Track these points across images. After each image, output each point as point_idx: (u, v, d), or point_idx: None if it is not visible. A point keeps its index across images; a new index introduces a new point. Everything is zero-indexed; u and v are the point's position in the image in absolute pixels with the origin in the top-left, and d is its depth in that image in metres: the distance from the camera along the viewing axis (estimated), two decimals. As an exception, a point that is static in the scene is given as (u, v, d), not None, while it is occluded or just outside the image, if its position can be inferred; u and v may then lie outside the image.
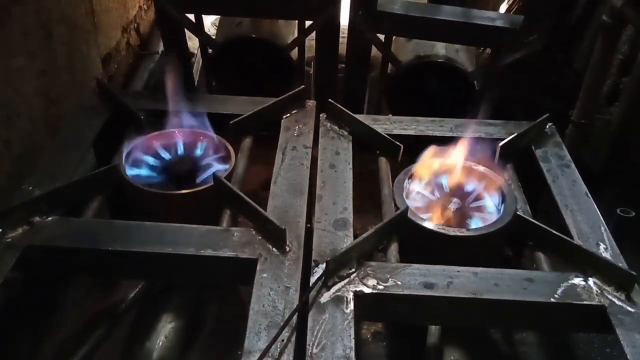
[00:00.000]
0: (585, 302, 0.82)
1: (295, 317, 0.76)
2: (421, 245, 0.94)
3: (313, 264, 0.85)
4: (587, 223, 0.95)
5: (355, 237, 0.89)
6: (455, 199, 1.00)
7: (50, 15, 1.20)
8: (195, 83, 1.71)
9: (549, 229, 0.91)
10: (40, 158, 1.03)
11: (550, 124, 1.16)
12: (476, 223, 0.97)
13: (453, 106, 1.34)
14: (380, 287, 0.82)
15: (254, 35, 1.48)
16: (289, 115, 1.16)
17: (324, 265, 0.82)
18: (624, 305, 0.81)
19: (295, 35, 1.50)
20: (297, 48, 1.50)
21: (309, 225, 0.94)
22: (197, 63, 1.83)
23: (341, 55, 1.54)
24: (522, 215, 0.95)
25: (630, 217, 1.14)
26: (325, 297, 0.80)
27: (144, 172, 1.03)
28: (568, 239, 0.91)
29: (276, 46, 1.47)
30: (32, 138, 1.15)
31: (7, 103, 1.07)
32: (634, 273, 0.83)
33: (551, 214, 1.01)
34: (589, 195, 1.01)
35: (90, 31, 1.43)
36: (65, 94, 1.27)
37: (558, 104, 1.57)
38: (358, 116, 1.14)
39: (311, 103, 1.20)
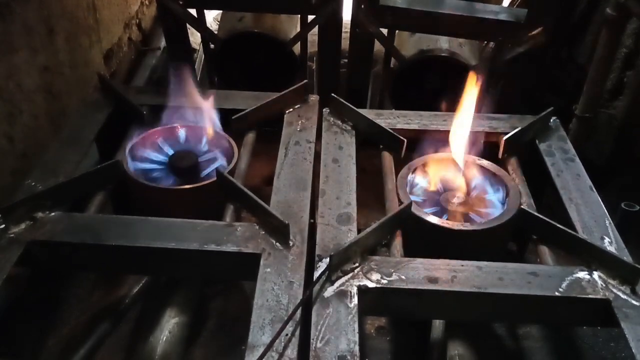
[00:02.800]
0: (589, 296, 0.82)
1: (299, 312, 0.77)
2: (425, 240, 0.94)
3: (317, 258, 0.85)
4: (591, 217, 0.95)
5: (358, 231, 0.89)
6: (459, 193, 1.00)
7: (52, 11, 1.20)
8: (198, 78, 1.71)
9: (553, 222, 0.91)
10: (43, 153, 1.03)
11: (554, 117, 1.16)
12: (480, 217, 0.97)
13: (456, 100, 1.33)
14: (384, 281, 0.82)
15: (256, 30, 1.47)
16: (291, 110, 1.16)
17: (328, 259, 0.82)
18: (629, 299, 0.81)
19: (298, 30, 1.49)
20: (299, 43, 1.49)
21: (312, 220, 0.94)
22: (199, 58, 1.82)
23: (344, 50, 1.54)
24: (527, 209, 0.95)
25: (634, 211, 1.14)
26: (329, 291, 0.80)
27: (146, 167, 1.03)
28: (573, 232, 0.90)
29: (278, 41, 1.47)
30: (35, 134, 1.15)
31: (9, 99, 1.07)
32: (638, 266, 0.82)
33: (555, 208, 1.00)
34: (593, 189, 1.00)
35: (92, 27, 1.43)
36: (68, 90, 1.27)
37: (562, 98, 1.57)
38: (361, 110, 1.13)
39: (314, 98, 1.19)
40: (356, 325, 0.76)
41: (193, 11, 1.46)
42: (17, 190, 0.94)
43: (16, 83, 1.09)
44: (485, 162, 1.04)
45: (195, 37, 1.75)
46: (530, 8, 1.36)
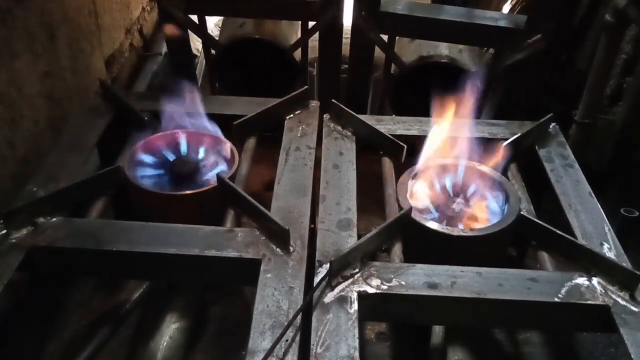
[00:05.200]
0: (589, 302, 0.82)
1: (299, 317, 0.77)
2: (425, 246, 0.94)
3: (317, 264, 0.85)
4: (590, 223, 0.95)
5: (359, 237, 0.89)
6: (458, 199, 1.00)
7: (54, 17, 1.21)
8: (199, 84, 1.71)
9: (553, 228, 0.91)
10: (44, 159, 1.03)
11: (553, 123, 1.16)
12: (480, 223, 0.97)
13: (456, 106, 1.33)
14: (384, 287, 0.82)
15: (257, 36, 1.48)
16: (292, 115, 1.16)
17: (328, 265, 0.82)
18: (628, 305, 0.81)
19: (299, 36, 1.50)
20: (300, 49, 1.50)
21: (312, 225, 0.94)
22: (200, 64, 1.83)
23: (344, 56, 1.54)
24: (526, 215, 0.95)
25: (634, 217, 1.14)
26: (329, 297, 0.80)
27: (147, 172, 1.03)
28: (572, 238, 0.91)
29: (279, 47, 1.48)
30: (36, 139, 1.15)
31: (10, 104, 1.07)
32: (638, 272, 0.83)
33: (554, 214, 1.01)
34: (593, 195, 1.01)
35: (94, 32, 1.43)
36: (69, 95, 1.27)
37: (561, 104, 1.57)
38: (361, 116, 1.14)
39: (314, 104, 1.20)
40: (356, 331, 0.76)
41: (194, 17, 1.47)
42: (18, 195, 0.94)
43: (17, 88, 1.09)
44: (485, 168, 1.04)
45: (196, 43, 1.75)
46: (529, 14, 1.37)
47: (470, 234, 0.92)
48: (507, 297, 0.82)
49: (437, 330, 0.95)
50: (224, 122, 1.11)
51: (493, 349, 1.07)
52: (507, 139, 1.09)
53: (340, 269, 0.83)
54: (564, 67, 1.69)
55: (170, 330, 0.89)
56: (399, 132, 1.14)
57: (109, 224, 0.92)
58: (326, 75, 1.54)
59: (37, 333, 1.02)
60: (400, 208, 0.96)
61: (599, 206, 0.98)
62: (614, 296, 0.82)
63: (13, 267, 0.83)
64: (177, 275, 0.91)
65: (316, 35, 1.48)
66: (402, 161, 1.09)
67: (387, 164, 1.09)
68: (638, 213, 1.14)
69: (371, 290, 0.82)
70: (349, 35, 1.48)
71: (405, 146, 1.08)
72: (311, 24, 1.45)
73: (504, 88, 1.51)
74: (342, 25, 1.45)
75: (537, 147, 1.12)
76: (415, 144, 1.09)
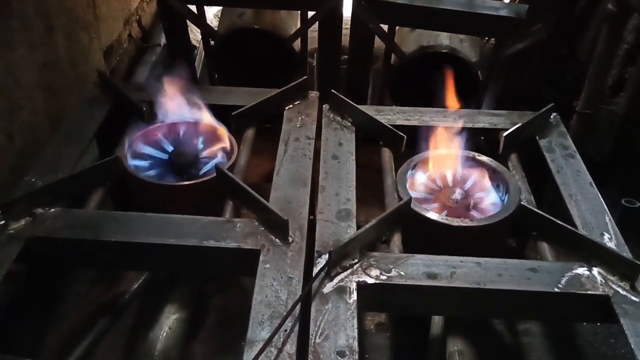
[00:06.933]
0: (589, 292, 0.81)
1: (298, 308, 0.76)
2: (424, 236, 0.94)
3: (316, 254, 0.85)
4: (591, 213, 0.95)
5: (358, 227, 0.89)
6: (458, 190, 1.00)
7: (51, 7, 1.20)
8: (198, 75, 1.71)
9: (553, 218, 0.91)
10: (43, 150, 1.03)
11: (554, 114, 1.16)
12: (480, 213, 0.97)
13: (457, 97, 1.33)
14: (383, 277, 0.82)
15: (256, 27, 1.47)
16: (291, 106, 1.16)
17: (327, 255, 0.82)
18: (628, 295, 0.81)
19: (298, 26, 1.49)
20: (299, 39, 1.49)
21: (311, 216, 0.94)
22: (200, 55, 1.82)
23: (344, 46, 1.54)
24: (526, 205, 0.94)
25: (634, 208, 1.13)
26: (328, 287, 0.80)
27: (146, 163, 1.03)
28: (572, 228, 0.90)
29: (278, 37, 1.47)
30: (34, 130, 1.15)
31: (8, 95, 1.07)
32: (638, 263, 0.82)
33: (555, 204, 1.00)
34: (594, 185, 1.00)
35: (92, 23, 1.43)
36: (67, 86, 1.27)
37: (562, 94, 1.56)
38: (361, 107, 1.13)
39: (314, 94, 1.19)
40: (355, 321, 0.76)
41: (193, 7, 1.46)
42: (17, 186, 0.94)
43: (15, 79, 1.09)
44: (485, 158, 1.04)
45: (195, 34, 1.74)
46: (530, 4, 1.36)
47: (470, 224, 0.92)
48: (507, 287, 0.82)
49: (437, 321, 0.95)
50: (223, 112, 1.10)
51: (493, 340, 1.06)
52: (507, 129, 1.08)
53: (340, 259, 0.83)
54: (565, 57, 1.67)
55: (169, 321, 0.89)
56: (398, 123, 1.13)
57: (108, 214, 0.92)
58: (326, 66, 1.54)
59: (35, 324, 1.02)
60: (400, 198, 0.95)
61: (600, 196, 0.98)
62: (614, 286, 0.82)
63: (11, 258, 0.83)
64: (176, 266, 0.91)
65: (316, 26, 1.47)
66: (402, 152, 1.08)
67: (387, 155, 1.08)
68: (639, 203, 1.14)
69: (370, 281, 0.81)
70: (348, 25, 1.47)
71: (405, 137, 1.08)
72: (311, 13, 1.44)
73: (505, 78, 1.50)
74: (341, 15, 1.44)
75: (537, 138, 1.11)
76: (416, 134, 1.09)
